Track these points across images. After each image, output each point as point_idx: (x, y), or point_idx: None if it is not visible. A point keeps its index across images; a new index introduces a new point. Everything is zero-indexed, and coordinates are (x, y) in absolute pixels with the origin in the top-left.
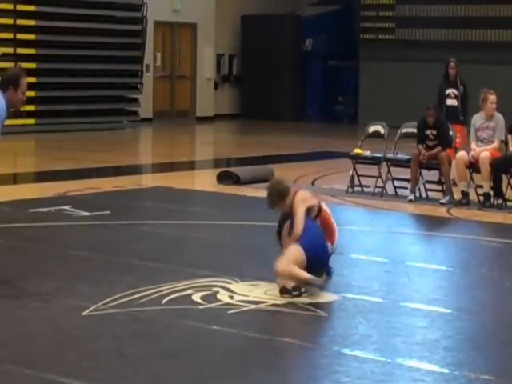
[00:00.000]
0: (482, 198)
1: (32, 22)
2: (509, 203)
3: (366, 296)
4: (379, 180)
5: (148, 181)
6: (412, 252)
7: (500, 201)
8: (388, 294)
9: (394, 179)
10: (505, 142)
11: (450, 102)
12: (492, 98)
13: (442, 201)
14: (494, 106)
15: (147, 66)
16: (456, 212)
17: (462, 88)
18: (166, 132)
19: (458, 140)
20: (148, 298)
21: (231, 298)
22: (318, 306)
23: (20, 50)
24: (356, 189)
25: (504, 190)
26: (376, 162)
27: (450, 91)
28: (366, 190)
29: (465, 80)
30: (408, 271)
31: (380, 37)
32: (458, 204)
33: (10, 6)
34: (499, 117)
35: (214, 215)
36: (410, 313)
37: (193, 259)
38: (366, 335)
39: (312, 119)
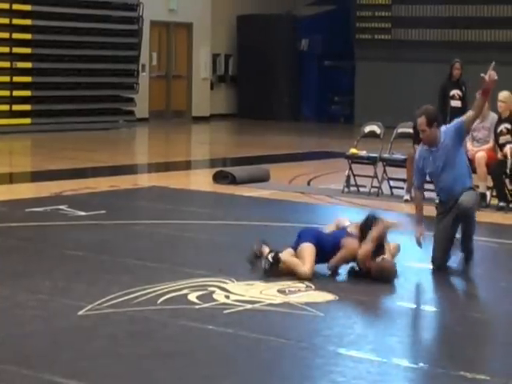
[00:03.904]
0: None
1: (28, 22)
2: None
3: (362, 296)
4: (375, 180)
5: (144, 180)
6: (408, 252)
7: (502, 203)
8: (384, 294)
9: (389, 179)
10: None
11: (455, 103)
12: None
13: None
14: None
15: (143, 65)
16: None
17: (463, 88)
18: (161, 132)
19: None
20: (144, 297)
21: (227, 297)
22: (313, 305)
23: (16, 50)
24: (352, 189)
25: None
26: (372, 161)
27: (454, 92)
28: (361, 189)
29: (466, 80)
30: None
31: (376, 37)
32: None
33: (5, 6)
34: (494, 116)
35: (209, 215)
36: (406, 312)
37: (189, 259)
38: (362, 335)
39: (308, 119)
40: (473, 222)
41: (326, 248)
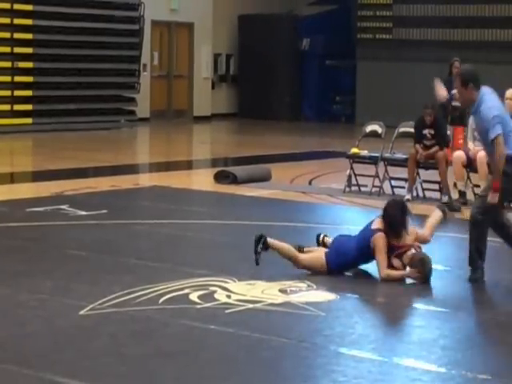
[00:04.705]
0: None
1: (29, 22)
2: None
3: (364, 295)
4: (376, 179)
5: (145, 180)
6: None
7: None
8: (386, 294)
9: (391, 179)
10: None
11: (455, 102)
12: None
13: (444, 200)
14: None
15: (144, 65)
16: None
17: None
18: (163, 131)
19: (460, 141)
20: (145, 297)
21: (228, 297)
22: (315, 305)
23: (17, 50)
24: (353, 188)
25: None
26: (373, 161)
27: (455, 91)
28: (363, 189)
29: None
30: None
31: (377, 36)
32: (455, 203)
33: (7, 6)
34: None
35: (211, 214)
36: (407, 312)
37: (190, 258)
38: (364, 334)
39: (309, 119)
40: (473, 230)
41: (352, 254)
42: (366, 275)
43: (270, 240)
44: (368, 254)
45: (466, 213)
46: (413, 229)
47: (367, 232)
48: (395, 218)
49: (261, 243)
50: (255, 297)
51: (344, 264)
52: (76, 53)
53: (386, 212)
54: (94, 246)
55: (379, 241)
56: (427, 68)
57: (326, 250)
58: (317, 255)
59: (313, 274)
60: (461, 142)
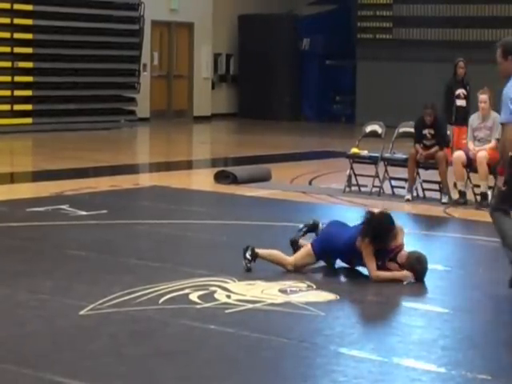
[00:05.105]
0: (479, 198)
1: (29, 22)
2: None
3: (363, 295)
4: (376, 179)
5: (145, 180)
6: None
7: None
8: (386, 294)
9: (391, 179)
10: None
11: (460, 102)
12: (481, 97)
13: (444, 200)
14: (484, 105)
15: (144, 65)
16: (453, 211)
17: (468, 87)
18: (163, 131)
19: (464, 141)
20: (145, 297)
21: (228, 297)
22: (315, 305)
23: (17, 50)
24: (353, 188)
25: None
26: (373, 161)
27: (460, 91)
28: (363, 189)
29: (469, 80)
30: None
31: (377, 36)
32: (455, 203)
33: (7, 6)
34: (496, 116)
35: (211, 215)
36: (407, 312)
37: (190, 259)
38: (363, 335)
39: (309, 119)
40: (494, 224)
41: (339, 247)
42: (366, 276)
43: (258, 250)
44: (354, 251)
45: None
46: (399, 228)
47: (358, 231)
48: (381, 233)
49: (249, 250)
50: (255, 297)
51: (327, 249)
52: (76, 53)
53: (373, 230)
54: (94, 245)
55: (365, 243)
56: (427, 68)
57: (312, 240)
58: (302, 250)
59: (312, 273)
60: (464, 141)
